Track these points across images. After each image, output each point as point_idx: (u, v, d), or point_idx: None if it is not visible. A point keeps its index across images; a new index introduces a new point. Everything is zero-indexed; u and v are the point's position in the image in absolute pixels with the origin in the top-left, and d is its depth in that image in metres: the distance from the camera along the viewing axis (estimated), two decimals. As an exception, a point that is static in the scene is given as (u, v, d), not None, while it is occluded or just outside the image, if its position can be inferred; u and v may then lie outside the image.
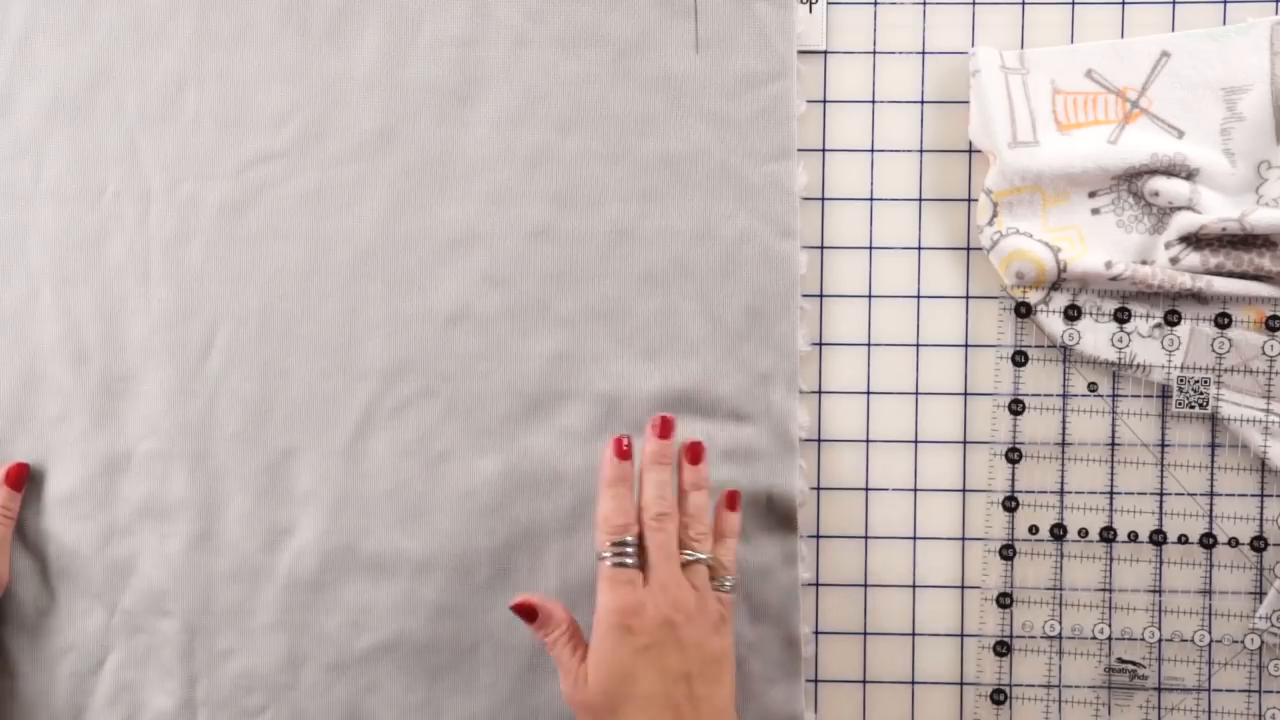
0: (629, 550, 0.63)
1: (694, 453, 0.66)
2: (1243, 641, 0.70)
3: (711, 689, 0.62)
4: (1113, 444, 0.70)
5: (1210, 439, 0.70)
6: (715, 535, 0.66)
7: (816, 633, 0.71)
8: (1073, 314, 0.69)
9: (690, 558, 0.64)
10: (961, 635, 0.71)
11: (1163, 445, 0.70)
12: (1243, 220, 0.67)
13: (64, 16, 0.70)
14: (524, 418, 0.69)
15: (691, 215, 0.69)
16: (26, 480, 0.70)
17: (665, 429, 0.66)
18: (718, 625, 0.63)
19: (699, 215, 0.69)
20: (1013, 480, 0.70)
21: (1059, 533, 0.70)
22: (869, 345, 0.71)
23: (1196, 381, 0.69)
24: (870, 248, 0.71)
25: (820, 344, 0.71)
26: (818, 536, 0.71)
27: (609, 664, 0.62)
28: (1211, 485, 0.70)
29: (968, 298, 0.71)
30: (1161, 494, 0.70)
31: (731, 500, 0.67)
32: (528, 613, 0.64)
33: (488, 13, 0.69)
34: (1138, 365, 0.69)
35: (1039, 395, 0.70)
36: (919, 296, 0.71)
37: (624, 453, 0.65)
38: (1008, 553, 0.70)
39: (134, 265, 0.70)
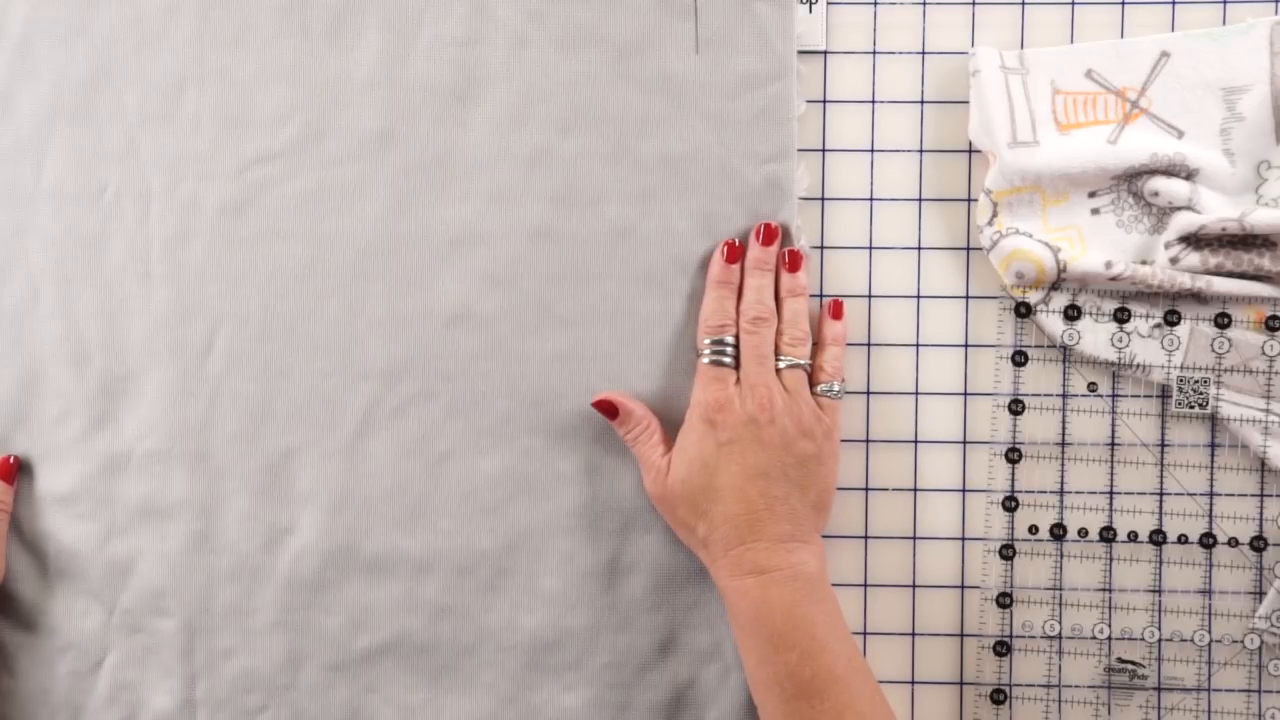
0: (726, 350, 0.66)
1: (793, 260, 0.67)
2: (1243, 641, 0.70)
3: (789, 490, 0.64)
4: (1113, 444, 0.70)
5: (1210, 439, 0.70)
6: (818, 343, 0.68)
7: (816, 633, 0.71)
8: (1073, 314, 0.69)
9: (786, 362, 0.66)
10: (961, 635, 0.71)
11: (1163, 445, 0.70)
12: (1242, 220, 0.67)
13: (64, 16, 0.70)
14: (524, 418, 0.69)
15: (691, 215, 0.69)
16: (18, 474, 0.70)
17: (768, 237, 0.67)
18: (809, 429, 0.65)
19: (699, 215, 0.69)
20: (1013, 480, 0.70)
21: (1059, 533, 0.70)
22: (869, 345, 0.71)
23: (1196, 381, 0.69)
24: (870, 248, 0.71)
25: (820, 344, 0.71)
26: (818, 536, 0.71)
27: (691, 454, 0.64)
28: (1211, 485, 0.70)
29: (968, 298, 0.71)
30: (1161, 494, 0.70)
31: (836, 309, 0.68)
32: (608, 409, 0.67)
33: (488, 13, 0.69)
34: (1138, 365, 0.69)
35: (1039, 395, 0.70)
36: (919, 296, 0.71)
37: (732, 256, 0.67)
38: (1008, 553, 0.70)
39: (134, 265, 0.70)
